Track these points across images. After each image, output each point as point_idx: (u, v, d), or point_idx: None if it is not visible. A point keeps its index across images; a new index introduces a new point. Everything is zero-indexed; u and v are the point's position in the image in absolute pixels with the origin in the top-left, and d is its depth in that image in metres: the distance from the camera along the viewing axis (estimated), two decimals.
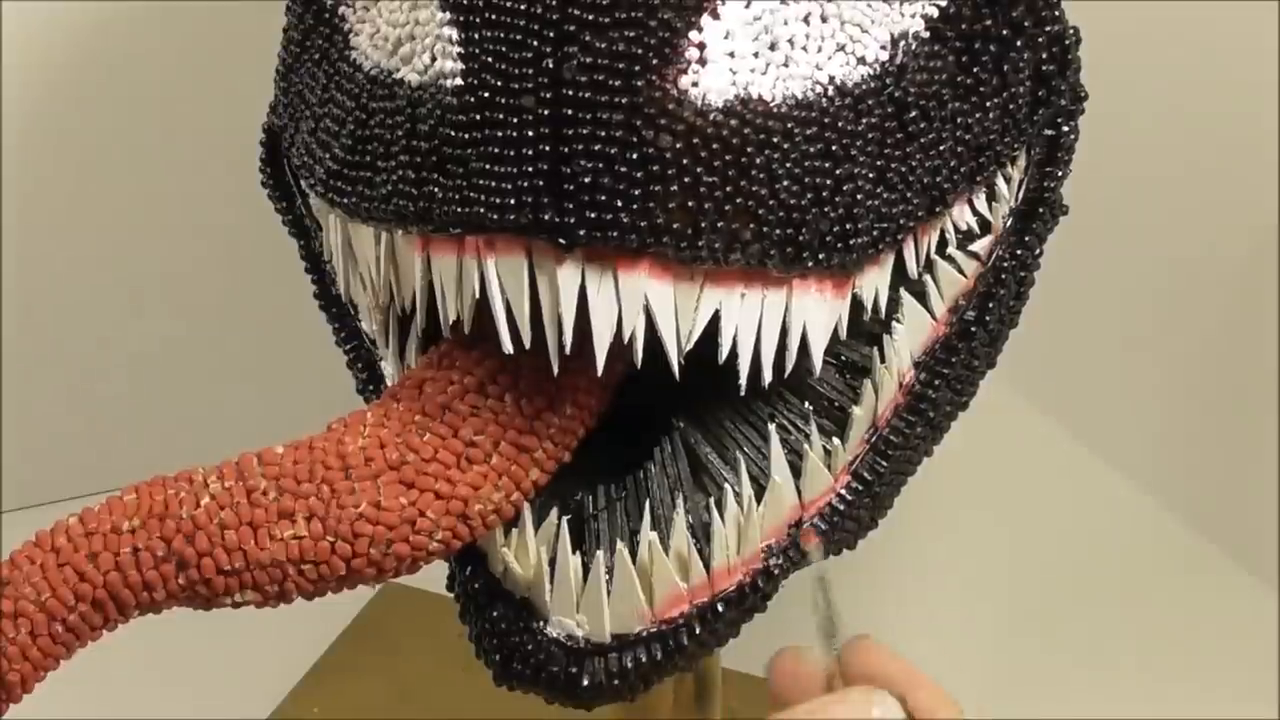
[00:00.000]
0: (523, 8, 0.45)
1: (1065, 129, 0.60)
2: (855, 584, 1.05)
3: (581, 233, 0.45)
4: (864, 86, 0.50)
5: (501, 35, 0.45)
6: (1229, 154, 1.06)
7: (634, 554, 0.51)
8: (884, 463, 0.57)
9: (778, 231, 0.48)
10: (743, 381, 0.50)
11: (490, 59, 0.46)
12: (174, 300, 1.19)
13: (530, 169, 0.45)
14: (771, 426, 0.54)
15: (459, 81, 0.46)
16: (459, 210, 0.46)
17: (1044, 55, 0.57)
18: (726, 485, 0.53)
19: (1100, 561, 1.12)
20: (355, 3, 0.55)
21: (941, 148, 0.53)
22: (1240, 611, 1.08)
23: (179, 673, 1.01)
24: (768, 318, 0.50)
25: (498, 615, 0.53)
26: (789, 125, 0.48)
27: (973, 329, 0.59)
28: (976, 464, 1.10)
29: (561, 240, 0.45)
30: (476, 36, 0.46)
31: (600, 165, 0.45)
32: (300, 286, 0.67)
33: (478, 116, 0.46)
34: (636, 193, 0.45)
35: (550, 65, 0.45)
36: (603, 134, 0.45)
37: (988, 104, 0.55)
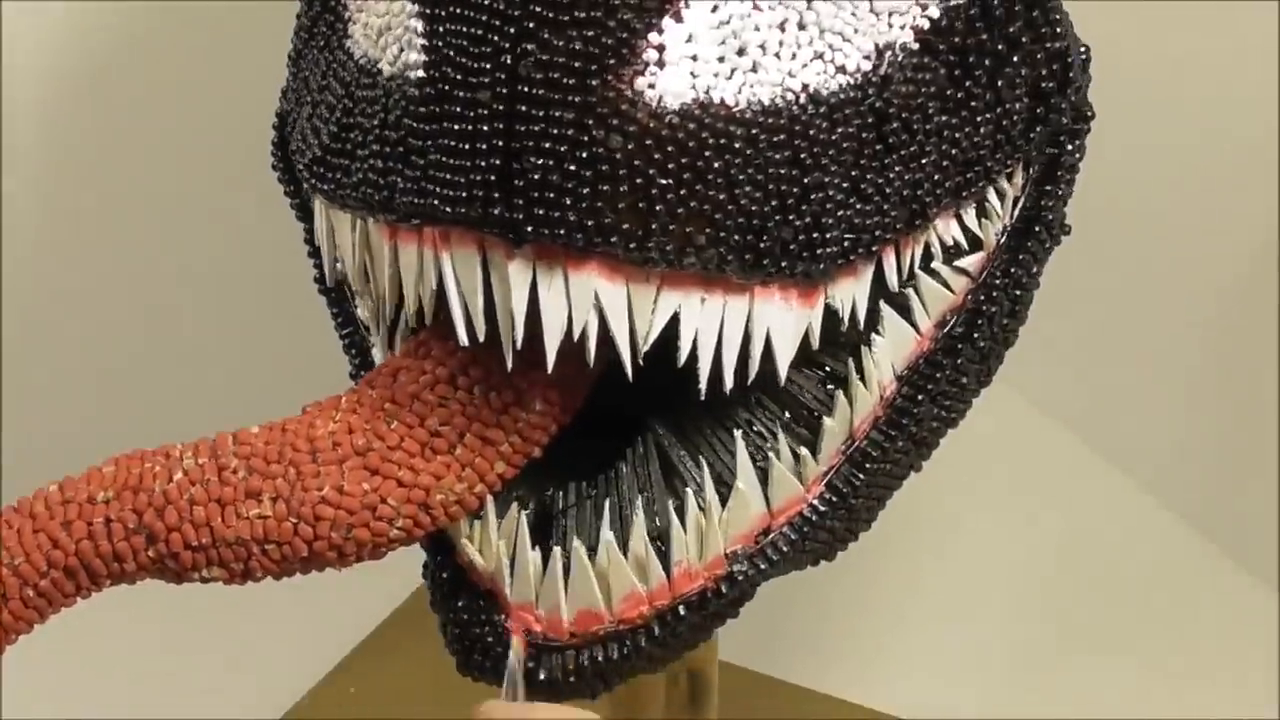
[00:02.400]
0: (485, 3, 0.45)
1: (1069, 148, 0.59)
2: (857, 585, 1.06)
3: (529, 229, 0.45)
4: (841, 95, 0.50)
5: (463, 29, 0.46)
6: (1230, 157, 1.05)
7: (593, 553, 0.52)
8: (860, 475, 0.56)
9: (735, 237, 0.47)
10: (702, 385, 0.50)
11: (451, 52, 0.46)
12: (174, 300, 1.19)
13: (483, 163, 0.45)
14: (738, 433, 0.53)
15: (421, 74, 0.47)
16: (416, 201, 0.47)
17: (1043, 72, 0.56)
18: (688, 489, 0.53)
19: (1101, 562, 1.12)
20: None
21: (924, 160, 0.52)
22: (1240, 611, 1.07)
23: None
24: (729, 323, 0.49)
25: (462, 606, 0.54)
26: (753, 131, 0.47)
27: (959, 345, 0.58)
28: (977, 465, 1.10)
29: (511, 236, 0.46)
30: (440, 29, 0.46)
31: (550, 163, 0.45)
32: (302, 277, 0.67)
33: (436, 109, 0.46)
34: (585, 191, 0.45)
35: (508, 61, 0.45)
36: (554, 132, 0.45)
37: (978, 119, 0.54)
